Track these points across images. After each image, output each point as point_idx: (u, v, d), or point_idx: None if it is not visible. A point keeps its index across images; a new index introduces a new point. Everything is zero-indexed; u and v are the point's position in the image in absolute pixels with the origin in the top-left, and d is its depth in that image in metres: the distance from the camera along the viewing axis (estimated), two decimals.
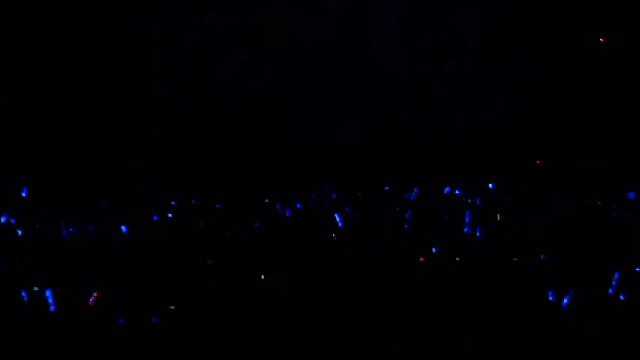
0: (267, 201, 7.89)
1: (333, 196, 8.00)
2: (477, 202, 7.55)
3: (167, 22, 11.99)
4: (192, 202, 8.69)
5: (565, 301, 6.49)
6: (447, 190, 7.88)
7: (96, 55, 11.92)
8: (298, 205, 7.41)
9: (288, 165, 11.58)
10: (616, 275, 6.50)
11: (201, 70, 12.04)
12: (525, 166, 10.34)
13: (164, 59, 12.01)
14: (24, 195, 9.38)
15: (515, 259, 6.84)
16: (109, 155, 11.92)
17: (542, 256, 6.79)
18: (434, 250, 6.82)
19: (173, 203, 8.91)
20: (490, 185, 7.94)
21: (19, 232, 8.14)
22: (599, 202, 8.03)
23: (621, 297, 6.53)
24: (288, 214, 7.32)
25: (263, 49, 12.02)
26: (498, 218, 6.91)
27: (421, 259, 6.76)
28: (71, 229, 8.39)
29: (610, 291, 6.59)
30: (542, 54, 11.29)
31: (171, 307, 7.03)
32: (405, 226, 6.92)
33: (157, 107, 12.04)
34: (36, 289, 7.10)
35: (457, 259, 6.83)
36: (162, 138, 11.97)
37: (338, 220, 6.83)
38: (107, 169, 11.84)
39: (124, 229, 8.58)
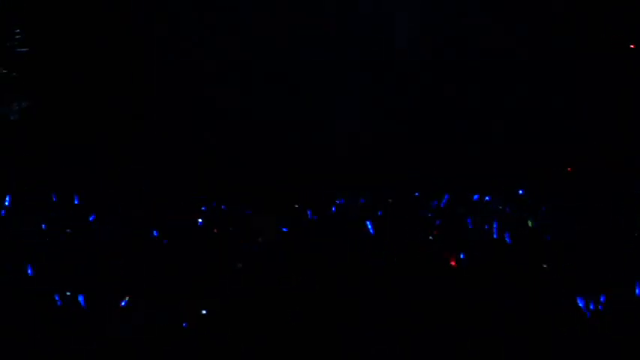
0: (296, 206, 7.91)
1: (361, 201, 8.03)
2: (507, 209, 7.61)
3: (167, 22, 11.96)
4: (222, 207, 8.69)
5: (592, 306, 6.57)
6: (476, 196, 7.94)
7: (96, 55, 11.88)
8: (334, 209, 7.44)
9: (287, 166, 11.59)
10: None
11: (201, 70, 12.02)
12: (542, 170, 10.41)
13: (164, 59, 11.99)
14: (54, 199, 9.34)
15: (544, 265, 6.90)
16: (109, 155, 11.89)
17: (569, 262, 6.86)
18: (462, 255, 6.87)
19: (204, 209, 8.92)
20: (520, 191, 8.01)
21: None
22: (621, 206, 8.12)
23: None
24: (316, 218, 7.36)
25: (263, 49, 12.03)
26: (530, 225, 6.98)
27: (452, 263, 6.82)
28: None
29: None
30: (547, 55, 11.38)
31: (203, 312, 7.05)
32: (435, 232, 6.98)
33: (156, 107, 12.02)
34: (68, 293, 7.10)
35: (486, 264, 6.89)
36: (162, 138, 11.96)
37: (369, 226, 6.87)
38: (107, 169, 11.81)
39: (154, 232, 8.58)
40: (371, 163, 11.17)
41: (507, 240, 6.87)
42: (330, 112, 11.95)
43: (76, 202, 10.65)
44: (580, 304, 6.55)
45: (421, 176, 10.22)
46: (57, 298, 7.05)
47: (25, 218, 9.62)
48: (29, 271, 7.77)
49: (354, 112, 11.91)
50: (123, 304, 6.83)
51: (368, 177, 10.62)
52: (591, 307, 6.55)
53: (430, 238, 6.93)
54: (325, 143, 11.73)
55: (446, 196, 7.63)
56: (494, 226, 6.86)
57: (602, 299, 6.62)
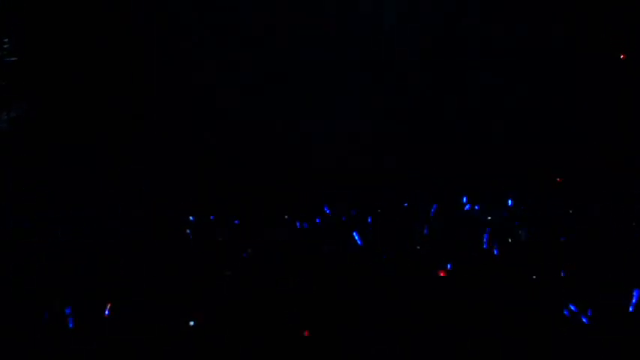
0: (286, 217, 7.91)
1: (353, 212, 8.02)
2: (496, 218, 7.60)
3: (167, 22, 11.95)
4: (211, 217, 8.70)
5: (584, 318, 6.56)
6: (467, 207, 7.92)
7: (93, 56, 11.88)
8: (318, 220, 7.44)
9: (288, 170, 11.58)
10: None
11: (201, 70, 12.01)
12: (539, 176, 10.36)
13: (164, 59, 11.98)
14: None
15: (534, 276, 6.90)
16: (109, 155, 11.89)
17: (561, 273, 6.86)
18: (449, 266, 6.87)
19: (192, 219, 8.92)
20: (510, 202, 7.99)
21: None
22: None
23: None
24: (306, 226, 7.36)
25: (263, 49, 12.01)
26: (521, 235, 6.97)
27: (441, 273, 6.82)
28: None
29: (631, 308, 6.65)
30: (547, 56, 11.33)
31: (191, 324, 7.06)
32: (422, 243, 6.97)
33: (156, 107, 12.01)
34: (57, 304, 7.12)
35: (475, 275, 6.88)
36: (162, 138, 11.96)
37: (357, 238, 6.87)
38: (107, 169, 11.82)
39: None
40: (368, 165, 11.15)
41: (495, 251, 6.86)
42: (331, 112, 11.93)
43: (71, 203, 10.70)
44: (566, 314, 6.55)
45: (417, 180, 10.19)
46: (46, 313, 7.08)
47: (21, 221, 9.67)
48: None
49: (354, 112, 11.89)
50: (106, 312, 6.85)
51: (364, 179, 10.61)
52: (582, 316, 6.54)
53: (418, 248, 6.93)
54: (324, 144, 11.71)
55: (434, 206, 7.62)
56: (485, 237, 6.85)
57: (589, 312, 6.62)
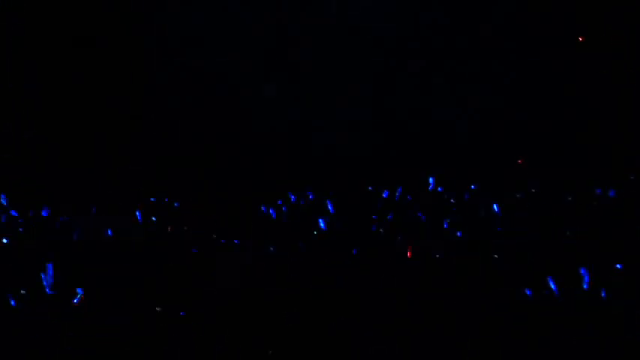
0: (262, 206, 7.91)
1: (311, 197, 8.02)
2: (462, 199, 7.59)
3: (167, 23, 12.05)
4: (175, 204, 8.73)
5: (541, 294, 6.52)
6: (431, 187, 7.91)
7: (96, 56, 11.99)
8: (284, 208, 7.45)
9: (279, 164, 11.62)
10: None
11: (200, 70, 12.09)
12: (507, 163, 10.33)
13: (164, 60, 12.08)
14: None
15: (495, 256, 6.87)
16: (108, 155, 11.98)
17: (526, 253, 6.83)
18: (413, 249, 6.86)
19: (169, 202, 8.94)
20: (472, 186, 7.96)
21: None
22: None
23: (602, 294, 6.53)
24: (273, 214, 7.37)
25: (263, 50, 12.08)
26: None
27: (408, 254, 6.81)
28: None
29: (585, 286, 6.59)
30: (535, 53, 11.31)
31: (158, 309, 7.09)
32: (387, 227, 6.97)
33: (156, 107, 12.10)
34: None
35: (437, 256, 6.87)
36: (161, 138, 12.04)
37: (321, 223, 6.88)
38: (106, 169, 11.90)
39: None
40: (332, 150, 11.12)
41: (459, 233, 6.85)
42: (330, 113, 11.97)
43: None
44: (528, 293, 6.51)
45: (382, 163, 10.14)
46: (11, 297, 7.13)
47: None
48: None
49: (353, 114, 11.92)
50: (75, 300, 6.87)
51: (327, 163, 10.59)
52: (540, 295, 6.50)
53: (380, 230, 6.93)
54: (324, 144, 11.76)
55: (399, 190, 7.60)
56: (445, 220, 6.85)
57: (553, 287, 6.57)
